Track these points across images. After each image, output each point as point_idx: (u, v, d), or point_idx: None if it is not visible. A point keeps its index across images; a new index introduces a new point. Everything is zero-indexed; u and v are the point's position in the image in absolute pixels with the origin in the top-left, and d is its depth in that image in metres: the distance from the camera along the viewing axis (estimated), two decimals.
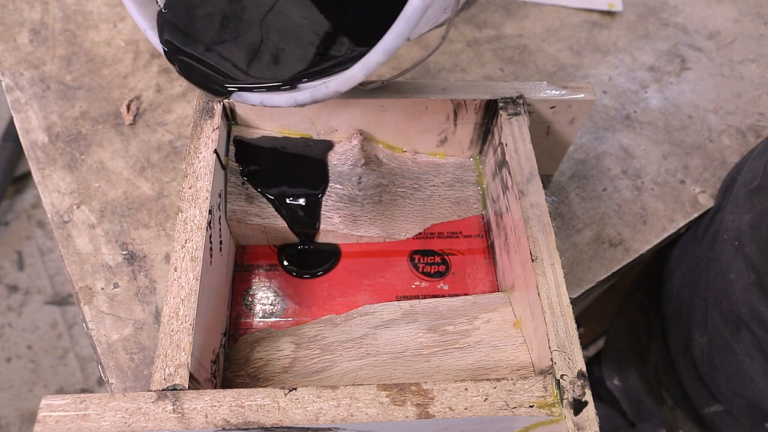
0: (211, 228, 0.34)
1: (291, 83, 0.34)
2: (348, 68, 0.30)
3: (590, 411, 0.28)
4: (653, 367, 0.62)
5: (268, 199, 0.40)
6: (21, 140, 0.50)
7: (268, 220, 0.40)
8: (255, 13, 0.37)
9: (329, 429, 0.27)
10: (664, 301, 0.57)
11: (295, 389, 0.28)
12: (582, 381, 0.29)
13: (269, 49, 0.36)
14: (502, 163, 0.39)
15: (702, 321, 0.48)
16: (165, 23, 0.36)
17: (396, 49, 0.27)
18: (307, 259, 0.42)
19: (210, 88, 0.36)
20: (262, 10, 0.37)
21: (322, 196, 0.41)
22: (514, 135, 0.38)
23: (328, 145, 0.42)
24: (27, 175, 1.34)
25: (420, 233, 0.43)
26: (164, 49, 0.36)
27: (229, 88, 0.35)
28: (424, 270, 0.42)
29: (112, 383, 0.39)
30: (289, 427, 0.27)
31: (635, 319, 0.67)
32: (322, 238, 0.42)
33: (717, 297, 0.45)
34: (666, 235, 0.49)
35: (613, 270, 0.46)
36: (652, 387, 0.64)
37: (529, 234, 0.34)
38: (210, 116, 0.38)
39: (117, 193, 0.47)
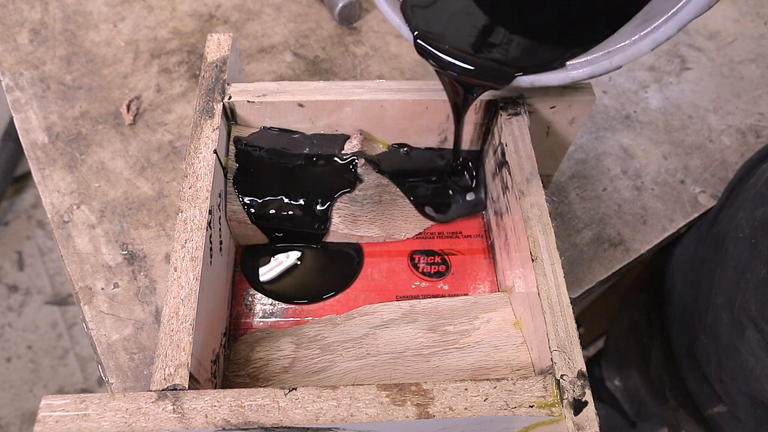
0: (211, 228, 0.34)
1: (562, 62, 0.33)
2: (630, 44, 0.28)
3: (590, 411, 0.28)
4: (655, 368, 0.62)
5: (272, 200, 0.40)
6: (21, 140, 0.50)
7: None
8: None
9: (329, 429, 0.27)
10: (666, 301, 0.57)
11: (295, 389, 0.28)
12: (582, 381, 0.29)
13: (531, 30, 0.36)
14: (502, 163, 0.39)
15: (706, 321, 0.48)
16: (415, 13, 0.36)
17: (689, 22, 0.26)
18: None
19: (498, 76, 0.35)
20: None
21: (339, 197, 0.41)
22: (514, 135, 0.38)
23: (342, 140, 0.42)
24: (27, 175, 1.34)
25: (420, 233, 0.43)
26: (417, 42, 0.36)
27: (516, 75, 0.34)
28: (424, 270, 0.42)
29: (112, 383, 0.39)
30: (289, 427, 0.27)
31: (637, 319, 0.67)
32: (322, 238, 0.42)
33: (724, 297, 0.45)
34: (666, 235, 0.49)
35: (613, 270, 0.46)
36: (654, 387, 0.64)
37: (529, 234, 0.34)
38: (210, 116, 0.38)
39: (117, 193, 0.47)
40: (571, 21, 0.36)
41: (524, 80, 0.34)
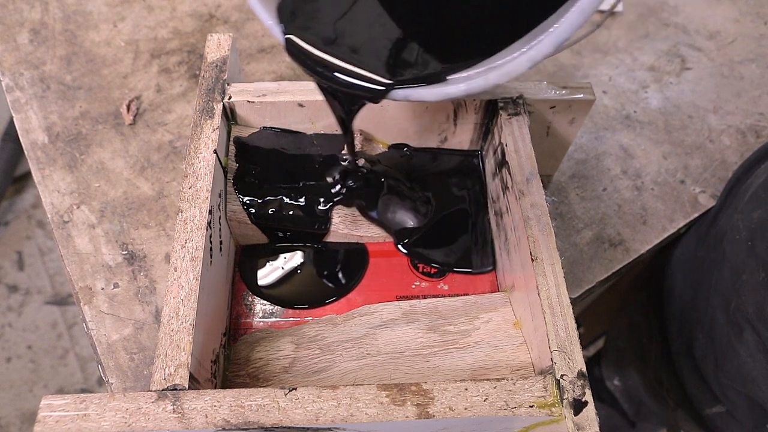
0: (211, 228, 0.34)
1: (443, 76, 0.31)
2: (508, 61, 0.27)
3: (590, 411, 0.28)
4: (654, 368, 0.62)
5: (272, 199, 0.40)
6: (21, 140, 0.50)
7: None
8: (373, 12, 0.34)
9: (329, 429, 0.27)
10: (665, 301, 0.57)
11: (295, 389, 0.28)
12: (582, 381, 0.29)
13: (407, 44, 0.33)
14: (502, 163, 0.39)
15: (704, 322, 0.48)
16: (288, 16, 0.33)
17: (565, 41, 0.25)
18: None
19: (369, 89, 0.32)
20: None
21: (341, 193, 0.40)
22: (514, 135, 0.38)
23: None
24: (27, 175, 1.34)
25: None
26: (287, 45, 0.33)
27: (391, 88, 0.31)
28: (424, 270, 0.42)
29: (112, 383, 0.39)
30: (289, 427, 0.27)
31: (636, 319, 0.67)
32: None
33: (721, 297, 0.45)
34: (666, 235, 0.49)
35: (613, 270, 0.46)
36: (653, 387, 0.64)
37: (529, 234, 0.34)
38: (210, 116, 0.38)
39: (117, 193, 0.47)
40: (457, 35, 0.34)
41: (398, 94, 0.31)
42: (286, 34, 0.32)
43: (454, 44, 0.33)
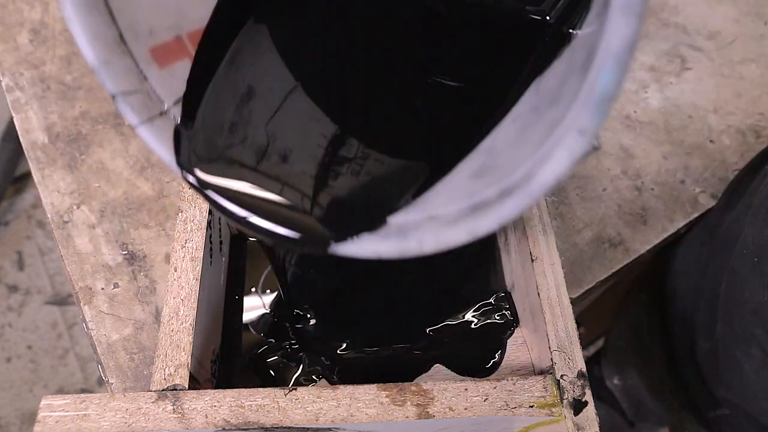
0: (211, 228, 0.34)
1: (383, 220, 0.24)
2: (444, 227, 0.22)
3: (590, 411, 0.28)
4: (657, 369, 0.61)
5: None
6: (21, 140, 0.50)
7: None
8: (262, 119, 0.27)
9: (329, 429, 0.27)
10: (667, 303, 0.57)
11: (295, 389, 0.28)
12: (582, 381, 0.29)
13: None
14: None
15: (707, 327, 0.47)
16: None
17: (510, 220, 0.20)
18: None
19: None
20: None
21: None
22: None
23: None
24: (27, 175, 1.34)
25: None
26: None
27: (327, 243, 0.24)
28: None
29: (112, 383, 0.39)
30: (289, 428, 0.27)
31: (638, 318, 0.67)
32: None
33: (725, 309, 0.44)
34: (666, 235, 0.49)
35: (613, 270, 0.46)
36: (656, 387, 0.64)
37: (529, 234, 0.34)
38: None
39: (117, 193, 0.47)
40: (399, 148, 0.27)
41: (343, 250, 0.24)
42: (182, 168, 0.25)
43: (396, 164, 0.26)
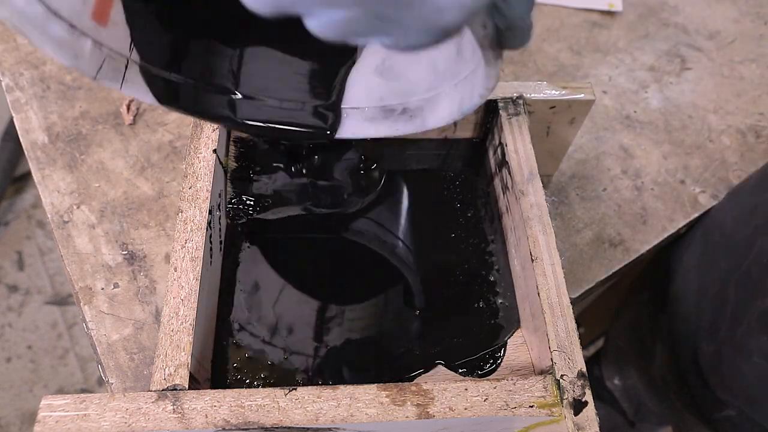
0: (211, 228, 0.34)
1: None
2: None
3: (590, 411, 0.28)
4: (659, 368, 0.61)
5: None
6: (21, 140, 0.50)
7: None
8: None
9: (329, 429, 0.27)
10: (670, 304, 0.56)
11: (295, 389, 0.28)
12: (582, 381, 0.29)
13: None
14: (502, 163, 0.39)
15: (710, 330, 0.47)
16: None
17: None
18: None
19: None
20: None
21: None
22: (514, 135, 0.38)
23: None
24: (27, 175, 1.34)
25: None
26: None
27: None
28: None
29: (112, 383, 0.39)
30: (289, 427, 0.27)
31: (639, 318, 0.67)
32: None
33: (735, 314, 0.43)
34: (666, 235, 0.49)
35: (613, 270, 0.46)
36: (657, 387, 0.64)
37: (529, 234, 0.34)
38: None
39: (117, 193, 0.47)
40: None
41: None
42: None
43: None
